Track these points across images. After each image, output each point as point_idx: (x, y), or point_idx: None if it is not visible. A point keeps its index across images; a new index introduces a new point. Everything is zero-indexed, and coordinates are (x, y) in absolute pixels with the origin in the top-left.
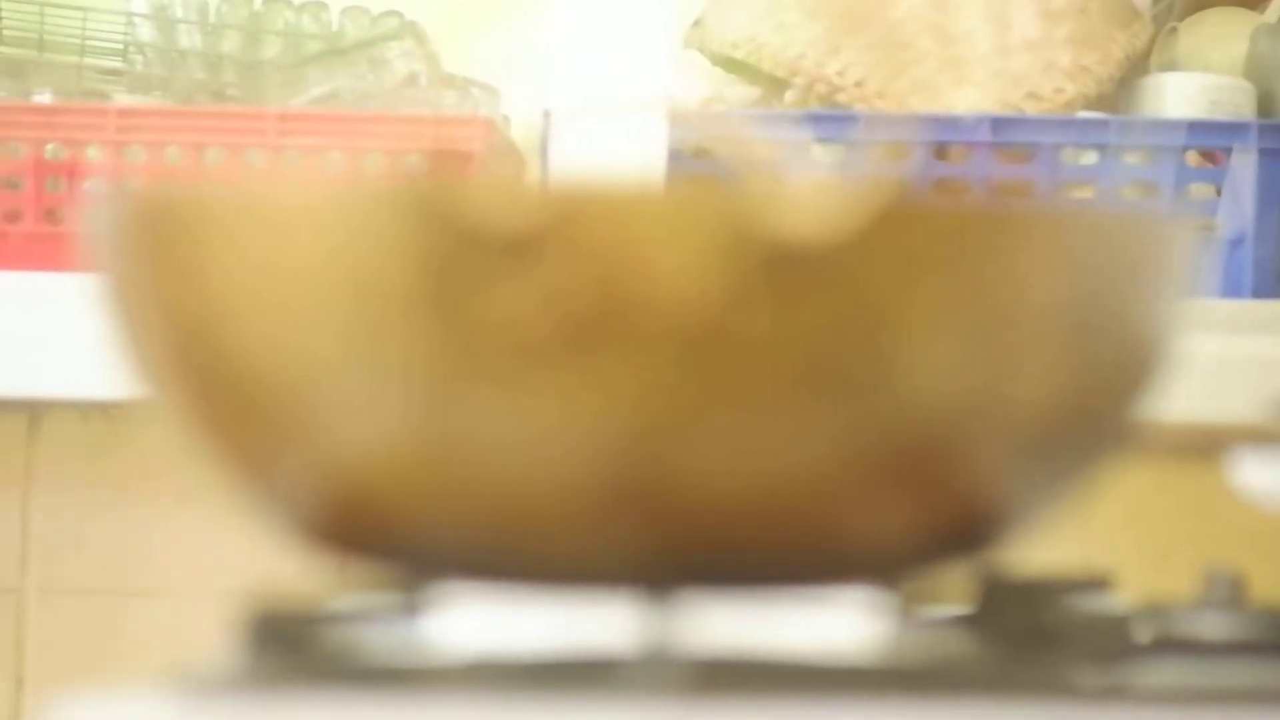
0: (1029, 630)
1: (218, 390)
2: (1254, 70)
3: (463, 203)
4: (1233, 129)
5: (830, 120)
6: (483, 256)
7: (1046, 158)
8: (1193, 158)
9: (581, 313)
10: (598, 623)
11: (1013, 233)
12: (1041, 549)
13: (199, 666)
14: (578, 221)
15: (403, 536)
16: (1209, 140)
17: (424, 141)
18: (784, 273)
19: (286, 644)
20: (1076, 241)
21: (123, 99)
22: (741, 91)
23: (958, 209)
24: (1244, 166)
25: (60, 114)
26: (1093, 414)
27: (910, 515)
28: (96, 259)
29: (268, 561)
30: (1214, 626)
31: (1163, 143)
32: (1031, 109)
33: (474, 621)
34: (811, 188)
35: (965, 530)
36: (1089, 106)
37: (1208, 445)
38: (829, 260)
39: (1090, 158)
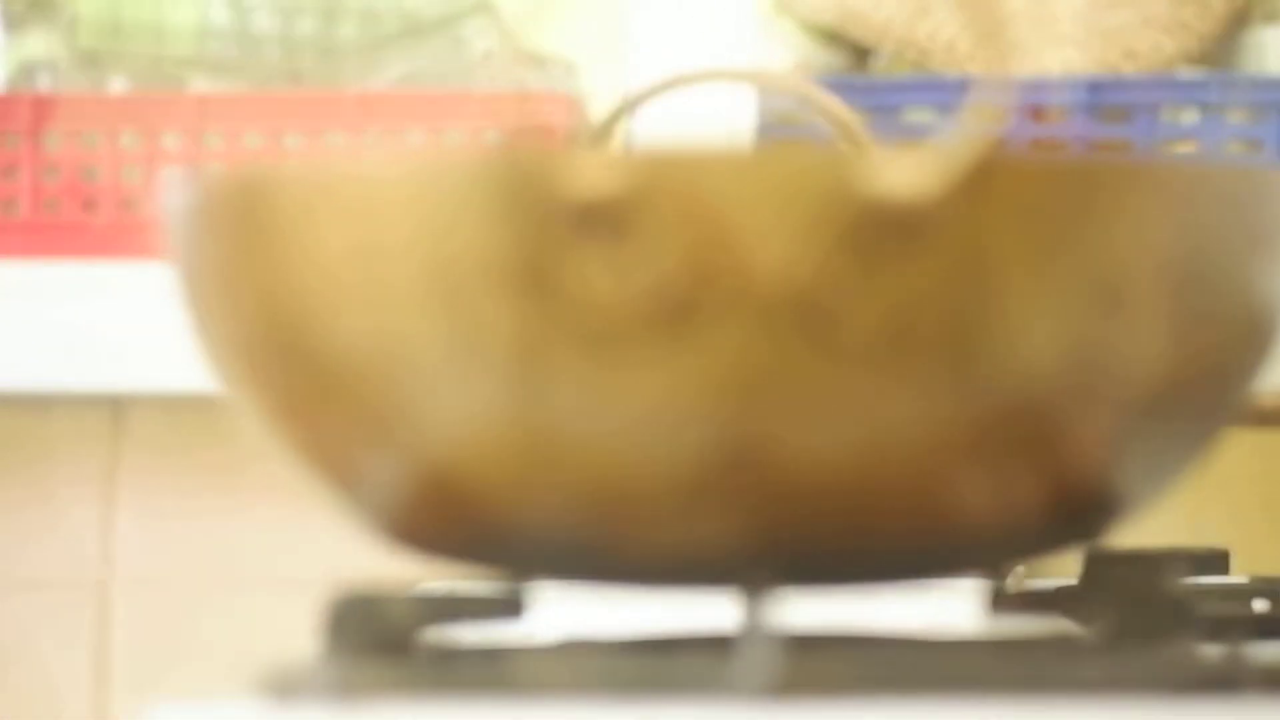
0: (1140, 609)
1: (301, 378)
2: None
3: (550, 173)
4: None
5: (922, 86)
6: (572, 228)
7: (1145, 117)
8: None
9: (672, 285)
10: (699, 619)
11: (1118, 186)
12: (1152, 522)
13: (293, 671)
14: (666, 188)
15: (496, 526)
16: None
17: (505, 119)
18: (881, 235)
19: (383, 645)
20: (1186, 195)
21: (200, 85)
22: (830, 58)
23: (1059, 162)
24: None
25: (136, 103)
26: (1208, 380)
27: (1017, 489)
28: (175, 246)
29: (359, 555)
30: None
31: (1267, 99)
32: (1128, 68)
33: (572, 621)
34: (905, 148)
35: (1076, 507)
36: (1189, 63)
37: None
38: (927, 220)
39: (1191, 116)
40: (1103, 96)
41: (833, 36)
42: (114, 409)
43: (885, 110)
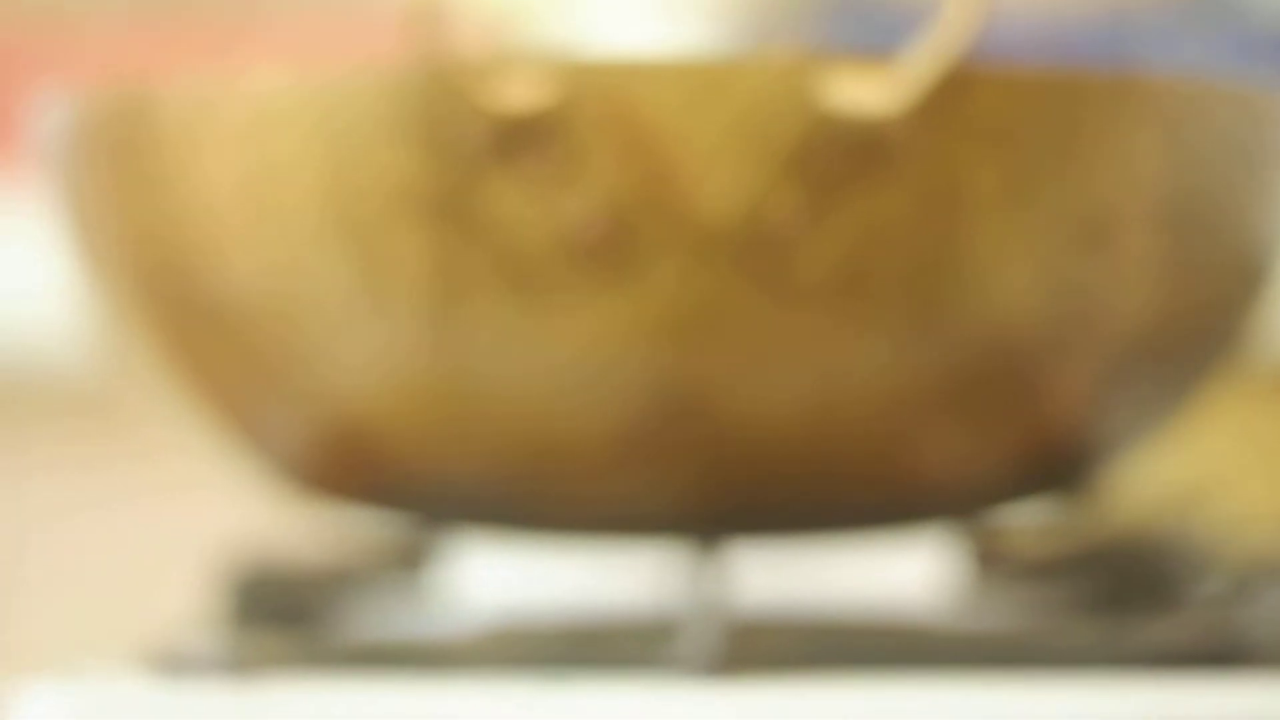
0: (1125, 584)
1: (195, 320)
2: None
3: (466, 88)
4: None
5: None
6: (492, 149)
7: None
8: None
9: (605, 212)
10: (634, 577)
11: (1106, 103)
12: (1142, 477)
13: (181, 644)
14: (596, 101)
15: (411, 479)
16: None
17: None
18: (835, 157)
19: (279, 614)
20: (1180, 116)
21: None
22: None
23: (1039, 76)
24: None
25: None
26: (1196, 322)
27: (986, 442)
28: (49, 176)
29: (254, 518)
30: None
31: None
32: None
33: (492, 579)
34: (862, 60)
35: (1051, 458)
36: None
37: None
38: (890, 142)
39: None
40: (1067, 43)
41: None
42: None
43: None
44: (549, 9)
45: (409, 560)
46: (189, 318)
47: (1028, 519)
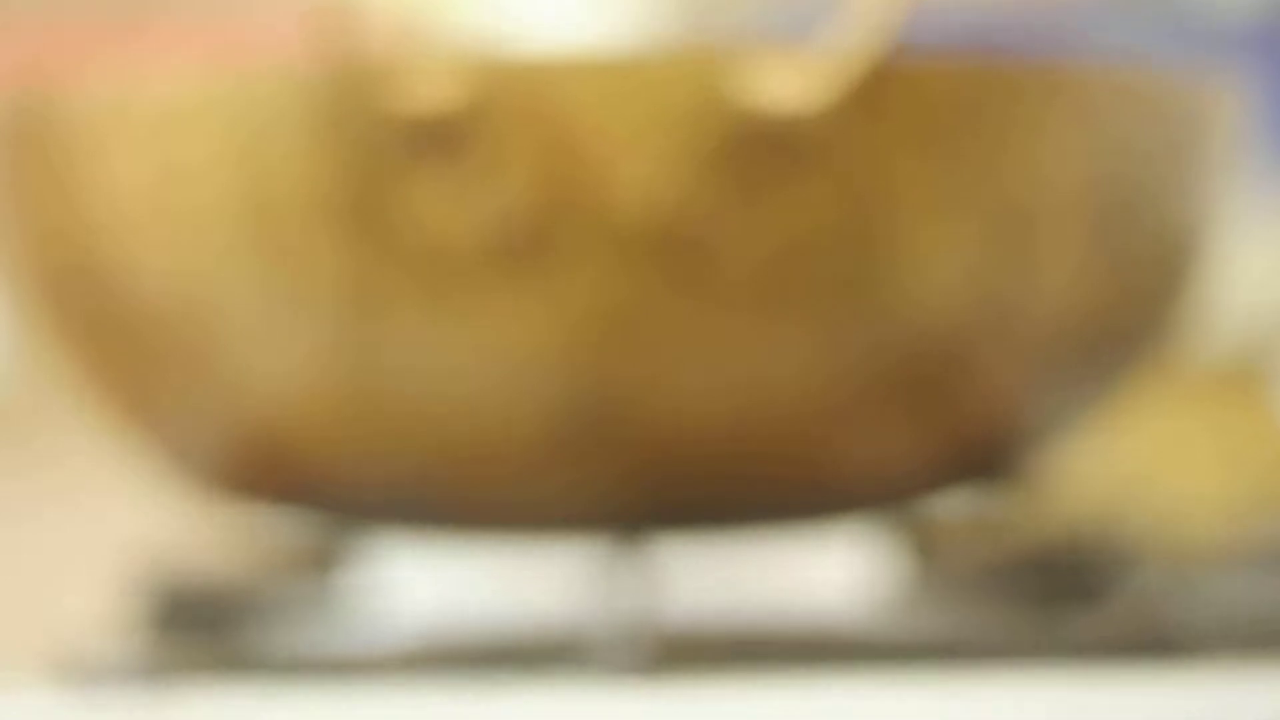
0: (1060, 578)
1: (102, 323)
2: None
3: (375, 86)
4: None
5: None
6: (401, 150)
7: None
8: None
9: (519, 211)
10: (553, 580)
11: (1032, 94)
12: (1077, 470)
13: (90, 652)
14: (511, 99)
15: (324, 481)
16: None
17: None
18: (757, 154)
19: (192, 622)
20: (1108, 105)
21: None
22: None
23: (963, 68)
24: None
25: None
26: (1121, 319)
27: (912, 438)
28: None
29: (166, 523)
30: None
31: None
32: None
33: (409, 583)
34: (784, 53)
35: (975, 455)
36: None
37: (1254, 362)
38: (810, 137)
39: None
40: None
41: None
42: None
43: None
44: None
45: (323, 565)
46: (99, 321)
47: (961, 513)
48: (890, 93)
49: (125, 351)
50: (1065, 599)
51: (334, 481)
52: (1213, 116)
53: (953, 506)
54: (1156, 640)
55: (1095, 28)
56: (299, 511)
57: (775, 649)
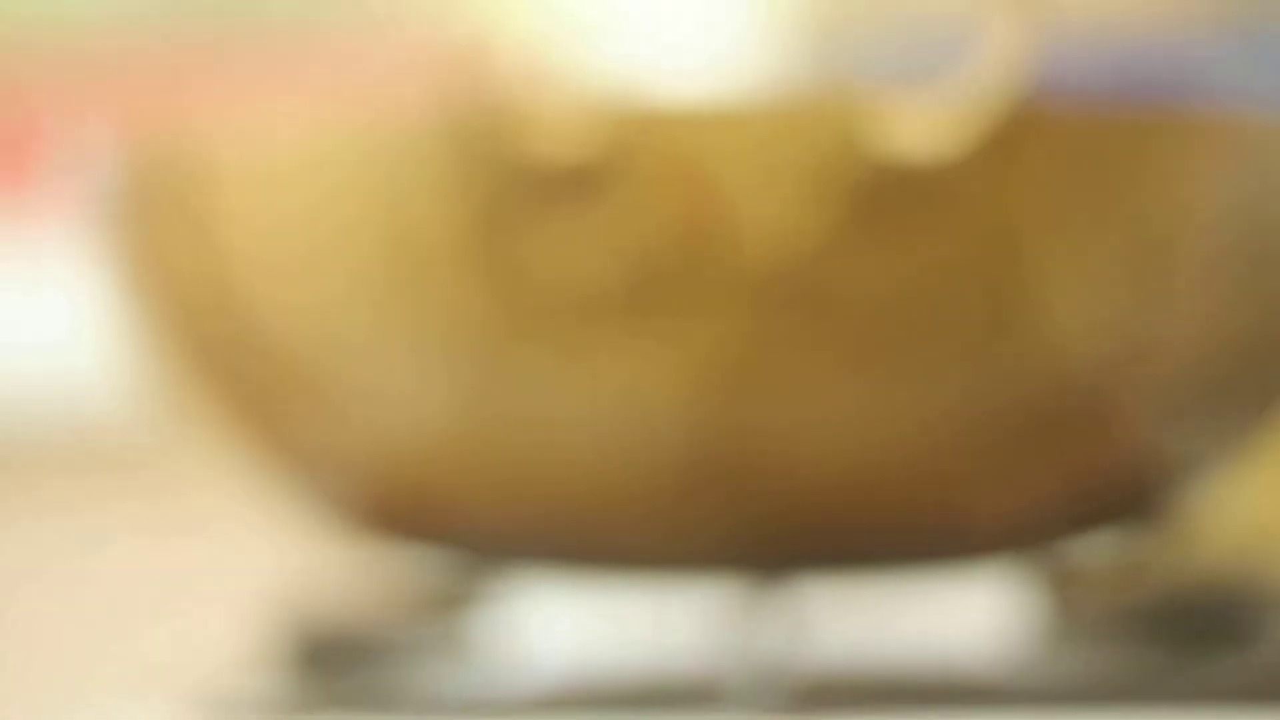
0: (1206, 623)
1: (241, 367)
2: None
3: (510, 134)
4: None
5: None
6: (536, 196)
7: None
8: None
9: (655, 259)
10: (689, 620)
11: (1166, 146)
12: (1223, 513)
13: (228, 688)
14: (647, 147)
15: (458, 521)
16: None
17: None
18: (891, 202)
19: (328, 661)
20: (1242, 155)
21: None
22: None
23: (1097, 118)
24: None
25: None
26: (1259, 359)
27: (1049, 482)
28: (101, 229)
29: (303, 566)
30: None
31: None
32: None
33: (545, 624)
34: (918, 100)
35: (1114, 497)
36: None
37: None
38: (944, 184)
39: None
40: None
41: None
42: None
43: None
44: (591, 31)
45: (459, 606)
46: (237, 361)
47: (1100, 557)
48: (1022, 140)
49: (260, 391)
50: (1206, 644)
51: (468, 522)
52: None
53: (1091, 550)
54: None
55: (1218, 65)
56: (434, 551)
57: (913, 692)
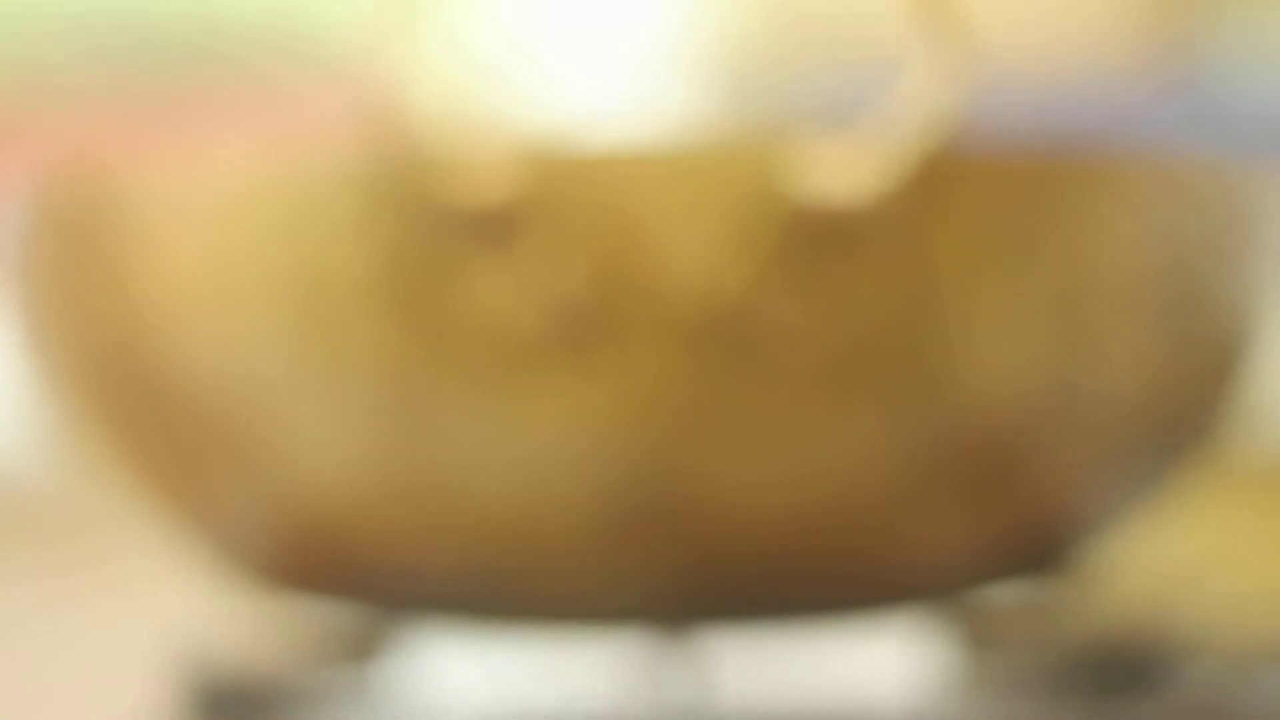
0: (1116, 668)
1: (148, 408)
2: None
3: (428, 175)
4: None
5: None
6: (455, 239)
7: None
8: None
9: (576, 302)
10: (599, 670)
11: (1087, 189)
12: (1133, 561)
13: None
14: (566, 190)
15: (372, 570)
16: None
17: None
18: (816, 245)
19: (234, 713)
20: (1156, 197)
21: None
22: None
23: (1019, 159)
24: None
25: None
26: (1178, 408)
27: (969, 527)
28: (13, 267)
29: (211, 615)
30: None
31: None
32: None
33: (452, 674)
34: (839, 142)
35: (1032, 544)
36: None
37: None
38: (865, 227)
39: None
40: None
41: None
42: None
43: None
44: (512, 76)
45: (365, 654)
46: (148, 407)
47: (1015, 604)
48: (944, 183)
49: (170, 437)
50: (1120, 691)
51: (381, 571)
52: (1259, 206)
53: (1006, 597)
54: None
55: (1138, 117)
56: (343, 601)
57: None
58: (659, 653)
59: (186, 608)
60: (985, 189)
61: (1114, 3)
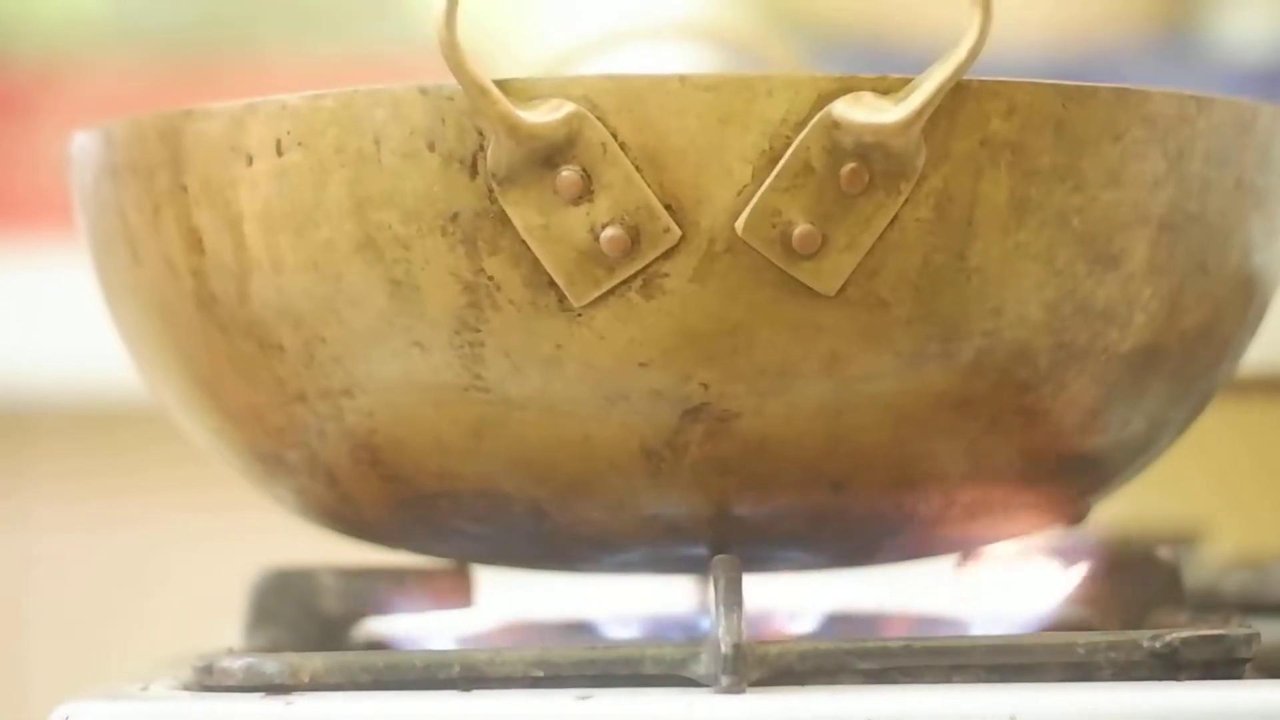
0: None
1: (224, 340)
2: None
3: (486, 103)
4: None
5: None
6: (513, 162)
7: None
8: None
9: (624, 224)
10: (653, 600)
11: (1105, 113)
12: (1125, 499)
13: (215, 662)
14: (612, 119)
15: (437, 500)
16: None
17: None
18: (847, 169)
19: (313, 632)
20: (1179, 126)
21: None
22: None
23: (1038, 86)
24: None
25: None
26: (1199, 338)
27: (998, 452)
28: (84, 208)
29: (288, 551)
30: None
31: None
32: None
33: (517, 604)
34: (875, 82)
35: (1057, 473)
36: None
37: None
38: (896, 150)
39: None
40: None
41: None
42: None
43: None
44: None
45: (442, 589)
46: (220, 335)
47: (1034, 534)
48: (971, 111)
49: (243, 363)
50: (1142, 616)
51: (445, 500)
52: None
53: (1027, 526)
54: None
55: (1144, 70)
56: (412, 545)
57: (868, 659)
58: (705, 581)
59: (262, 535)
60: (1010, 115)
61: None
